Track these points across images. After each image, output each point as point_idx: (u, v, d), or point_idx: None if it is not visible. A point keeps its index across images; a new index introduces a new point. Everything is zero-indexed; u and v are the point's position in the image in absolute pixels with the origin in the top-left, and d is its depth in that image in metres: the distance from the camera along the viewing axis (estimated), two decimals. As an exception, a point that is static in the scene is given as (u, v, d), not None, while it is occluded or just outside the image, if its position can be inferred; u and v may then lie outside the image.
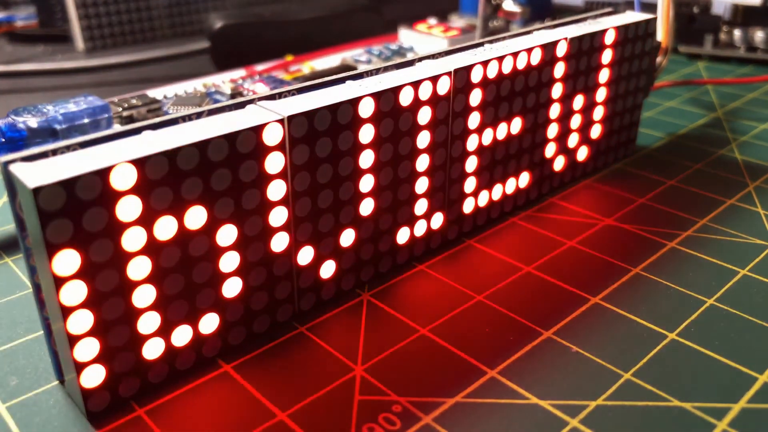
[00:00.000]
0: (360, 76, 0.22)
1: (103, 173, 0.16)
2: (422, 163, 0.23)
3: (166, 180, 0.17)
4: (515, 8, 0.48)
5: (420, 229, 0.24)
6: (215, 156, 0.18)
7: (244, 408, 0.18)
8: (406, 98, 0.21)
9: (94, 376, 0.17)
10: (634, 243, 0.26)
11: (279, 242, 0.20)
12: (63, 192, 0.15)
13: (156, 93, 0.36)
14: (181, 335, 0.19)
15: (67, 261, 0.16)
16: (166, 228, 0.17)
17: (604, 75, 0.29)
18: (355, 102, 0.20)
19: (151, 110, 0.32)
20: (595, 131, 0.30)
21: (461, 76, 0.23)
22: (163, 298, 0.18)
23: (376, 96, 0.21)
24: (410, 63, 0.23)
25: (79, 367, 0.17)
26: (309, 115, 0.19)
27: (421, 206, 0.24)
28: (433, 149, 0.23)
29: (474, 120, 0.24)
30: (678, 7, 0.49)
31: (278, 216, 0.20)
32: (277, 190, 0.19)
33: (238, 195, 0.18)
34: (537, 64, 0.25)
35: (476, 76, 0.23)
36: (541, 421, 0.18)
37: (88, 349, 0.17)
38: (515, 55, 0.24)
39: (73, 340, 0.17)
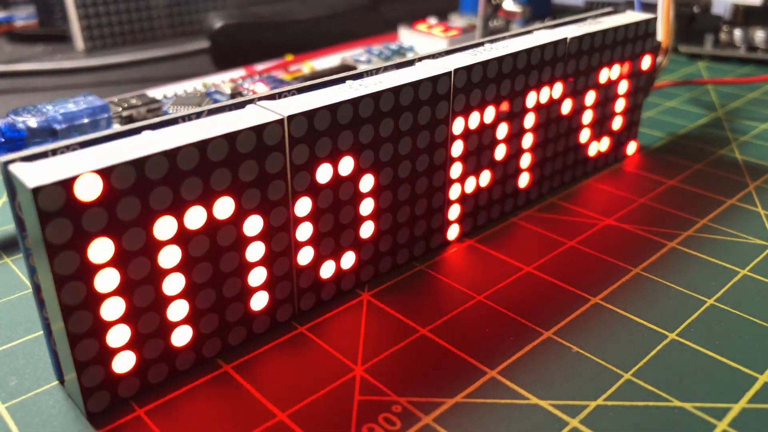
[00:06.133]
0: (360, 76, 0.22)
1: (103, 173, 0.16)
2: (422, 162, 0.23)
3: (166, 180, 0.17)
4: (515, 8, 0.48)
5: (420, 228, 0.24)
6: (215, 156, 0.18)
7: (244, 408, 0.18)
8: (406, 98, 0.21)
9: (93, 377, 0.17)
10: (634, 243, 0.26)
11: (279, 242, 0.20)
12: (62, 192, 0.15)
13: (156, 93, 0.36)
14: (181, 335, 0.19)
15: (67, 261, 0.16)
16: (166, 228, 0.17)
17: (603, 75, 0.29)
18: (355, 102, 0.20)
19: (151, 110, 0.32)
20: (596, 131, 0.30)
21: (461, 76, 0.23)
22: (163, 298, 0.18)
23: (376, 96, 0.21)
24: (410, 63, 0.23)
25: (79, 367, 0.17)
26: (309, 115, 0.19)
27: (420, 206, 0.24)
28: (432, 149, 0.23)
29: (474, 120, 0.24)
30: (678, 6, 0.49)
31: (278, 216, 0.20)
32: (277, 190, 0.19)
33: (238, 195, 0.18)
34: (537, 63, 0.25)
35: (476, 76, 0.23)
36: (541, 421, 0.18)
37: (87, 349, 0.17)
38: (515, 54, 0.24)
39: (72, 340, 0.17)
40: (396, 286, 0.23)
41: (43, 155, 0.16)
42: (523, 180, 0.27)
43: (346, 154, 0.21)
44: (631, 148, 0.33)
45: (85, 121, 0.28)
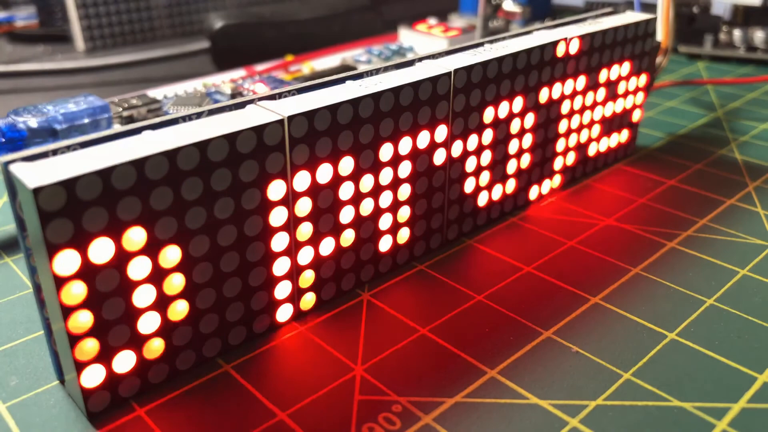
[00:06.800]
0: (360, 76, 0.22)
1: (103, 173, 0.16)
2: (422, 163, 0.23)
3: (166, 180, 0.17)
4: (515, 8, 0.48)
5: (420, 229, 0.24)
6: (215, 156, 0.18)
7: (244, 408, 0.18)
8: (406, 98, 0.21)
9: (94, 376, 0.17)
10: (634, 243, 0.26)
11: (279, 242, 0.20)
12: (63, 192, 0.15)
13: (156, 93, 0.36)
14: (182, 335, 0.19)
15: (67, 261, 0.16)
16: (166, 228, 0.17)
17: (603, 75, 0.29)
18: (355, 102, 0.20)
19: (151, 110, 0.32)
20: (595, 131, 0.30)
21: (461, 76, 0.23)
22: (163, 298, 0.18)
23: (376, 96, 0.21)
24: (410, 63, 0.23)
25: (79, 367, 0.17)
26: (309, 115, 0.19)
27: (420, 206, 0.24)
28: (432, 149, 0.23)
29: (474, 120, 0.24)
30: (678, 7, 0.49)
31: (278, 216, 0.20)
32: (277, 190, 0.19)
33: (238, 195, 0.18)
34: (537, 63, 0.25)
35: (476, 76, 0.23)
36: (541, 421, 0.18)
37: (88, 349, 0.17)
38: (515, 55, 0.24)
39: (73, 340, 0.17)
40: (396, 286, 0.23)
41: (44, 155, 0.16)
42: (524, 180, 0.27)
43: (345, 154, 0.21)
44: (631, 148, 0.33)
45: (86, 121, 0.28)
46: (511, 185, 0.27)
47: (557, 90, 0.27)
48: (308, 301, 0.22)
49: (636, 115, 0.32)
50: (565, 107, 0.28)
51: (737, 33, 0.47)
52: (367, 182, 0.22)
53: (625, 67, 0.30)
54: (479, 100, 0.24)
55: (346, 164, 0.21)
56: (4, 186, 0.16)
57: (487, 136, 0.25)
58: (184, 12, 0.56)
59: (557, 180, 0.29)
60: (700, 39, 0.48)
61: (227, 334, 0.20)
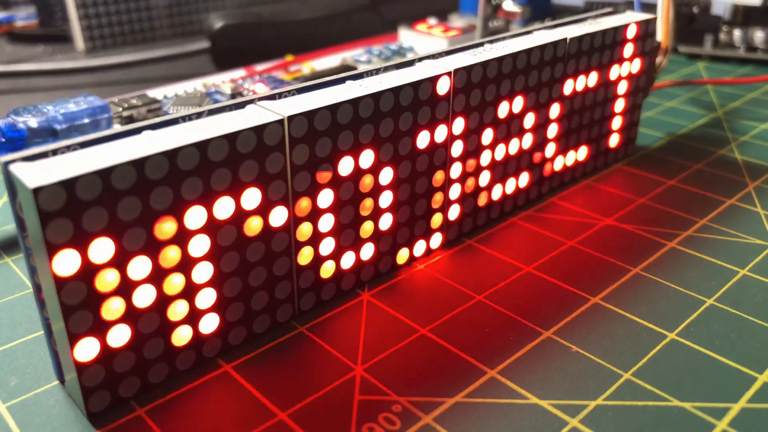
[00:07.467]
0: (360, 76, 0.22)
1: (103, 173, 0.16)
2: (422, 163, 0.23)
3: (166, 180, 0.17)
4: (515, 8, 0.48)
5: (420, 228, 0.24)
6: (215, 156, 0.18)
7: (244, 408, 0.18)
8: (406, 98, 0.21)
9: (94, 376, 0.17)
10: (634, 243, 0.26)
11: (279, 242, 0.20)
12: (63, 192, 0.15)
13: (156, 93, 0.36)
14: (182, 335, 0.19)
15: (67, 261, 0.16)
16: (165, 228, 0.17)
17: (603, 75, 0.29)
18: (355, 102, 0.20)
19: (151, 110, 0.32)
20: (595, 131, 0.30)
21: (461, 76, 0.23)
22: (163, 298, 0.18)
23: (376, 96, 0.21)
24: (410, 63, 0.23)
25: (80, 367, 0.17)
26: (309, 115, 0.19)
27: (420, 206, 0.24)
28: (432, 149, 0.23)
29: (474, 120, 0.24)
30: (678, 7, 0.49)
31: (278, 216, 0.20)
32: (277, 190, 0.19)
33: (238, 195, 0.18)
34: (536, 63, 0.25)
35: (476, 76, 0.23)
36: (541, 421, 0.18)
37: (88, 349, 0.17)
38: (515, 54, 0.24)
39: (73, 339, 0.17)
40: (396, 286, 0.23)
41: (44, 155, 0.16)
42: (523, 180, 0.27)
43: (345, 154, 0.21)
44: (631, 148, 0.33)
45: (86, 121, 0.28)
46: (511, 185, 0.27)
47: (557, 89, 0.27)
48: (308, 301, 0.22)
49: (636, 116, 0.32)
50: (565, 107, 0.28)
51: (737, 33, 0.47)
52: (366, 182, 0.22)
53: (625, 67, 0.30)
54: (479, 100, 0.24)
55: (346, 164, 0.21)
56: (4, 186, 0.16)
57: (487, 136, 0.25)
58: (184, 12, 0.56)
59: (557, 180, 0.29)
60: (700, 39, 0.48)
61: (227, 334, 0.20)
